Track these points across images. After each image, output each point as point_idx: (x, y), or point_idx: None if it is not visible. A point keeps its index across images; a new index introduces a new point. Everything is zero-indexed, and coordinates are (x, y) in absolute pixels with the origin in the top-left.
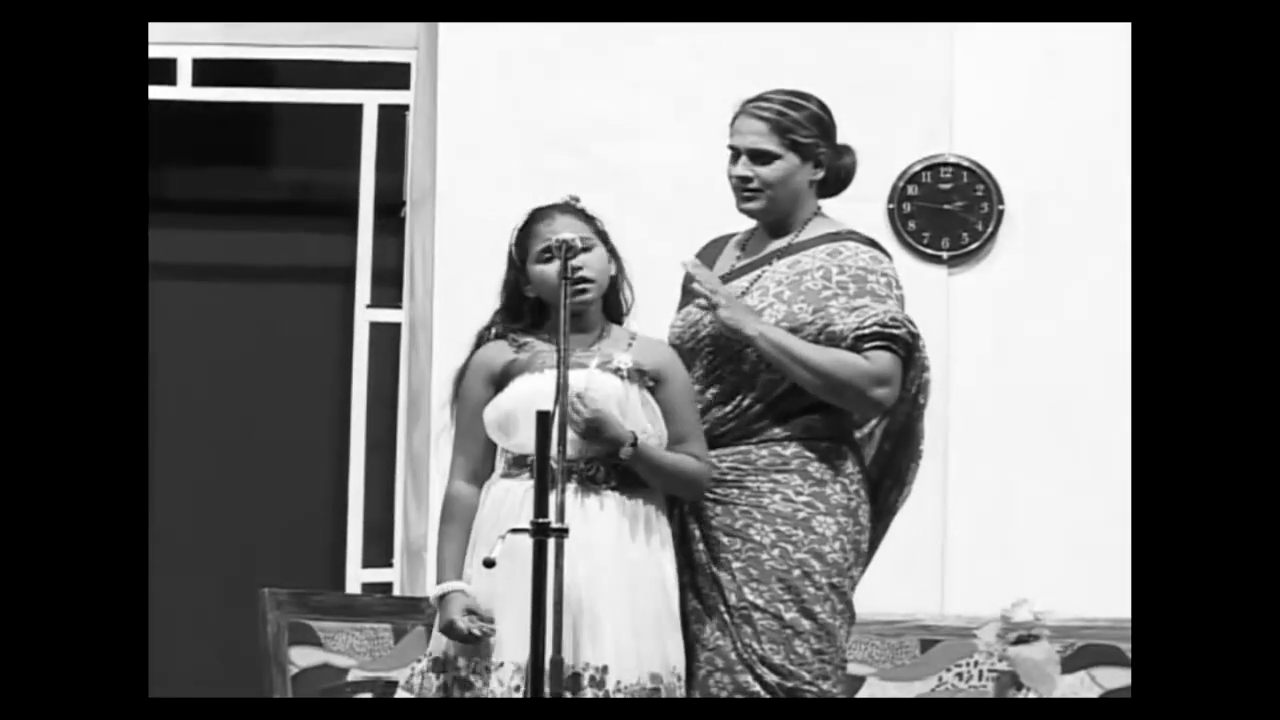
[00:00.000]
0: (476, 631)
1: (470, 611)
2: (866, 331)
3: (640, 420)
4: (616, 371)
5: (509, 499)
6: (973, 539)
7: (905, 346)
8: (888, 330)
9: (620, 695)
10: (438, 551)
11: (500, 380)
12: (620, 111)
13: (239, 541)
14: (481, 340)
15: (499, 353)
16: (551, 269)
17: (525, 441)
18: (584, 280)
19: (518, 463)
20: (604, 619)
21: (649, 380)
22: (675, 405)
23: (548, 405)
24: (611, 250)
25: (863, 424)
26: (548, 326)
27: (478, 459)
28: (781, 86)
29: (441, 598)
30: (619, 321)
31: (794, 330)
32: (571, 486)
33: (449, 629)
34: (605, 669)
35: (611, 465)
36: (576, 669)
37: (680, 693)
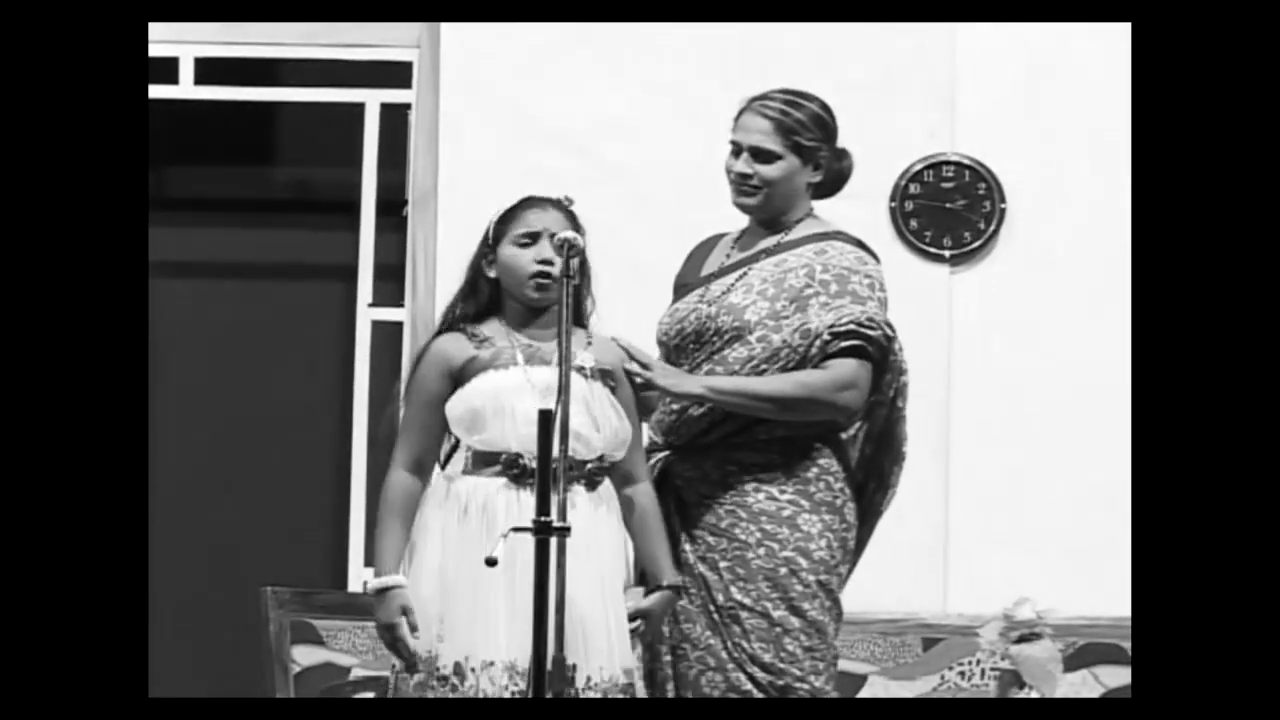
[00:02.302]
0: (410, 644)
1: (405, 611)
2: (841, 329)
3: (610, 418)
4: (580, 370)
5: (479, 494)
6: (975, 537)
7: (879, 348)
8: (863, 330)
9: (592, 692)
10: (377, 541)
11: (459, 376)
12: (621, 111)
13: (240, 540)
14: (441, 327)
15: (457, 347)
16: (524, 255)
17: (493, 438)
18: (549, 277)
19: (484, 459)
20: (577, 617)
21: (611, 380)
22: (625, 408)
23: (514, 401)
24: (583, 260)
25: (846, 426)
26: (505, 317)
27: (424, 449)
28: (783, 86)
29: (381, 591)
30: (578, 323)
31: (775, 326)
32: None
33: (388, 630)
34: (574, 667)
35: (579, 463)
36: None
37: (640, 685)
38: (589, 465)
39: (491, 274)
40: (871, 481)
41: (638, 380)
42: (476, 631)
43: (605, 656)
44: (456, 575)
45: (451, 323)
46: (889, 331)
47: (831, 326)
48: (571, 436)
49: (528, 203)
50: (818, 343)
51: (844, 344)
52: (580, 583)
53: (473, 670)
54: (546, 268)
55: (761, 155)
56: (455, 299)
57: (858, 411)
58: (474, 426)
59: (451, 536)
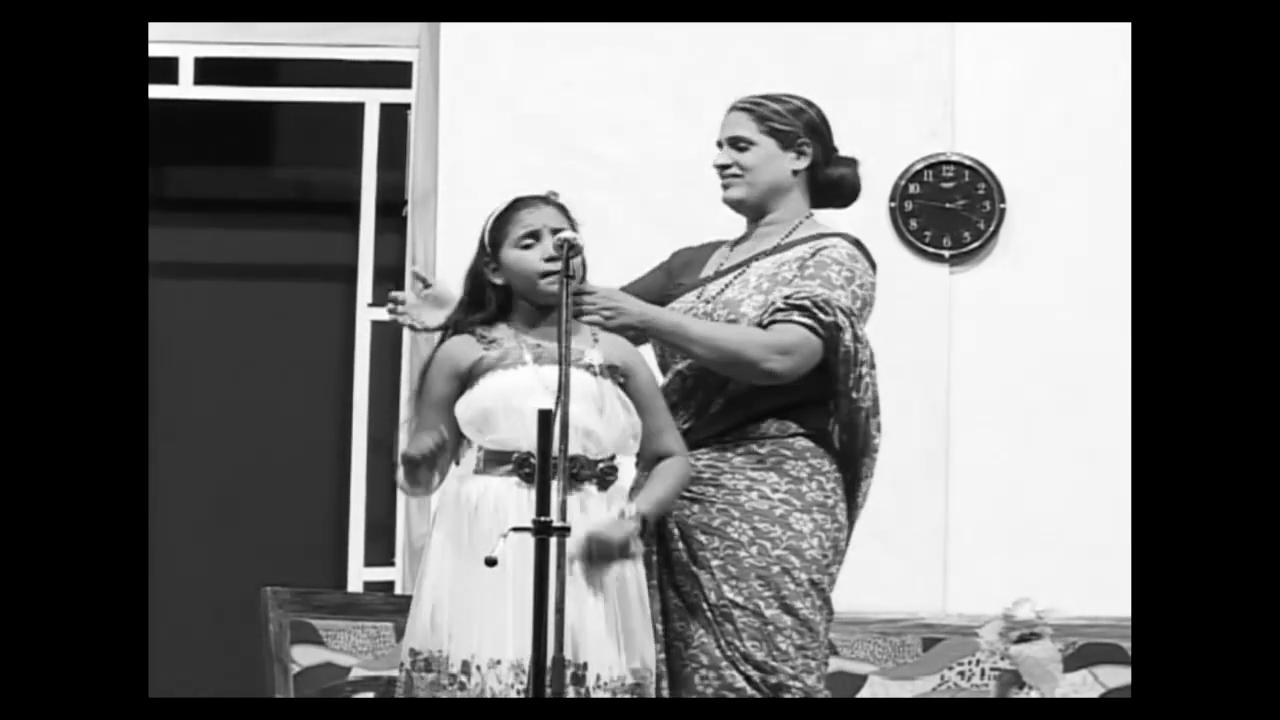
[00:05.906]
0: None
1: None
2: (796, 301)
3: (619, 414)
4: (588, 368)
5: (489, 494)
6: (975, 537)
7: (829, 331)
8: (815, 309)
9: (601, 691)
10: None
11: (467, 377)
12: (621, 110)
13: (240, 541)
14: (446, 334)
15: (466, 349)
16: (530, 255)
17: (505, 438)
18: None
19: (495, 459)
20: (586, 616)
21: (620, 376)
22: (646, 397)
23: (525, 401)
24: (581, 259)
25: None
26: (514, 319)
27: None
28: (781, 86)
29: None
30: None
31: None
32: (556, 484)
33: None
34: (585, 665)
35: (591, 462)
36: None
37: (651, 687)
38: (600, 464)
39: (498, 280)
40: (848, 472)
41: (584, 308)
42: (484, 630)
43: (614, 655)
44: (468, 574)
45: (459, 329)
46: (843, 321)
47: (788, 297)
48: (583, 435)
49: (519, 203)
50: (770, 310)
51: (794, 314)
52: (591, 582)
53: (478, 669)
54: (556, 265)
55: (738, 143)
56: (459, 311)
57: (788, 379)
58: (485, 426)
59: (463, 536)
